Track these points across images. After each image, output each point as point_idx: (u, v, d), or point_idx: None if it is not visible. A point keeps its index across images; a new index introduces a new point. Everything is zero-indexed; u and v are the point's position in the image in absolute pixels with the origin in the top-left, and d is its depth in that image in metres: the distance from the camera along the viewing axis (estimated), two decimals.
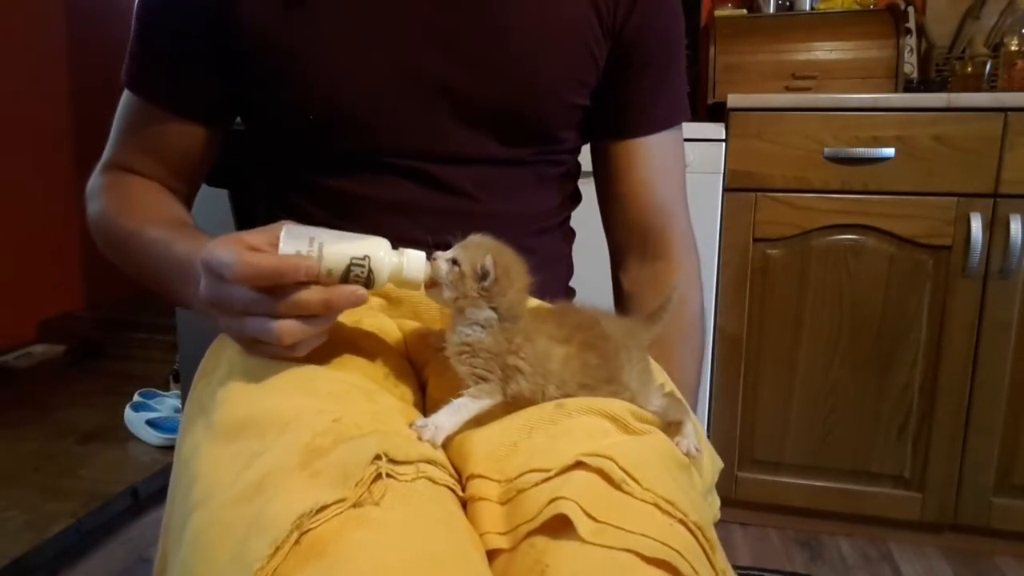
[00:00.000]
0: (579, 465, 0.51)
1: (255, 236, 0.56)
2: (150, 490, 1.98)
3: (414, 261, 0.57)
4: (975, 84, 1.89)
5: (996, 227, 1.62)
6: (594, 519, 0.47)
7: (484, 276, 0.56)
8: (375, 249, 0.56)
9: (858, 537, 1.85)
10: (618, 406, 0.56)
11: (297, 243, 0.54)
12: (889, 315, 1.71)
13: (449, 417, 0.55)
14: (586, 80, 0.76)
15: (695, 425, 0.62)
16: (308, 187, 0.76)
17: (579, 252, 0.89)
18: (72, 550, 1.74)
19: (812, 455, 1.80)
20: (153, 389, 2.37)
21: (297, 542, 0.44)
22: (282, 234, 0.54)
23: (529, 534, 0.49)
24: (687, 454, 0.59)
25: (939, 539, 1.81)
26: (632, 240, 0.85)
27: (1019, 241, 1.61)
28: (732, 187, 1.73)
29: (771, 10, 2.13)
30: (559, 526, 0.48)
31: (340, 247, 0.55)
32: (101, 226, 0.75)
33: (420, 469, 0.50)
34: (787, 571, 1.73)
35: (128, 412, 2.25)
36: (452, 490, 0.52)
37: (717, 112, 1.82)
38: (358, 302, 0.54)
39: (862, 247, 1.70)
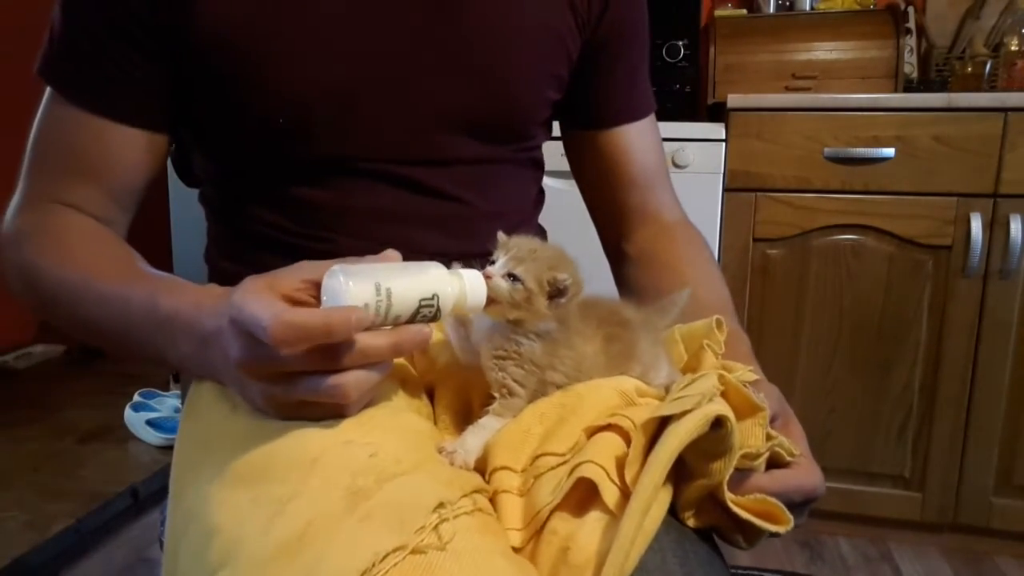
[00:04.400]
0: (594, 431, 0.50)
1: (288, 280, 0.48)
2: (150, 490, 1.98)
3: (475, 286, 0.52)
4: (975, 84, 1.89)
5: (996, 227, 1.62)
6: (616, 484, 0.47)
7: (560, 294, 0.53)
8: (440, 284, 0.50)
9: (858, 537, 1.85)
10: (624, 381, 0.56)
11: (363, 292, 0.46)
12: (889, 315, 1.71)
13: (476, 438, 0.53)
14: (560, 74, 0.75)
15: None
16: (274, 197, 0.70)
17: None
18: (72, 550, 1.74)
19: (812, 455, 1.80)
20: (153, 389, 2.37)
21: None
22: (351, 283, 0.46)
23: (549, 518, 0.48)
24: None
25: (939, 539, 1.81)
26: (630, 212, 0.85)
27: (1019, 241, 1.60)
28: (732, 187, 1.72)
29: (771, 10, 2.13)
30: (578, 504, 0.47)
31: (408, 290, 0.48)
32: (30, 277, 0.64)
33: (475, 501, 0.48)
34: (787, 571, 1.73)
35: (128, 412, 2.25)
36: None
37: (717, 112, 1.82)
38: (425, 341, 0.49)
39: (862, 247, 1.70)
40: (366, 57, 0.66)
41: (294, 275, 0.49)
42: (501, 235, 0.56)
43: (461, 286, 0.51)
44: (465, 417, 0.59)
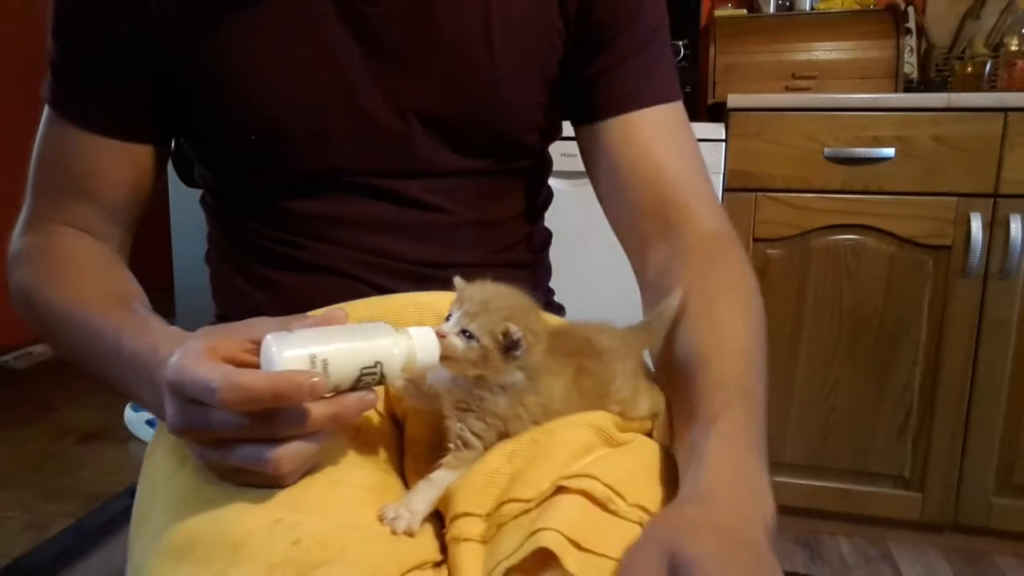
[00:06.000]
0: (560, 490, 0.48)
1: (231, 342, 0.47)
2: None
3: (426, 346, 0.49)
4: (975, 84, 1.89)
5: (996, 227, 1.62)
6: (579, 547, 0.44)
7: (514, 346, 0.49)
8: (383, 351, 0.48)
9: (858, 537, 1.85)
10: (601, 417, 0.53)
11: (296, 364, 0.45)
12: (889, 315, 1.71)
13: (424, 497, 0.50)
14: (547, 76, 0.70)
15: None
16: (262, 208, 0.70)
17: (556, 253, 0.87)
18: (72, 550, 1.74)
19: (812, 455, 1.80)
20: None
21: None
22: (285, 354, 0.44)
23: (510, 572, 0.45)
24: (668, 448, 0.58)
25: (939, 539, 1.81)
26: (647, 225, 0.69)
27: (1019, 241, 1.60)
28: (732, 187, 1.72)
29: (771, 10, 2.13)
30: (542, 561, 0.44)
31: (346, 359, 0.46)
32: (28, 300, 0.65)
33: None
34: (787, 571, 1.73)
35: (128, 412, 2.25)
36: None
37: (717, 112, 1.82)
38: (369, 407, 0.47)
39: (862, 247, 1.70)
40: (332, 71, 0.64)
41: (239, 334, 0.48)
42: (458, 281, 0.53)
43: (410, 347, 0.49)
44: (437, 447, 0.56)
